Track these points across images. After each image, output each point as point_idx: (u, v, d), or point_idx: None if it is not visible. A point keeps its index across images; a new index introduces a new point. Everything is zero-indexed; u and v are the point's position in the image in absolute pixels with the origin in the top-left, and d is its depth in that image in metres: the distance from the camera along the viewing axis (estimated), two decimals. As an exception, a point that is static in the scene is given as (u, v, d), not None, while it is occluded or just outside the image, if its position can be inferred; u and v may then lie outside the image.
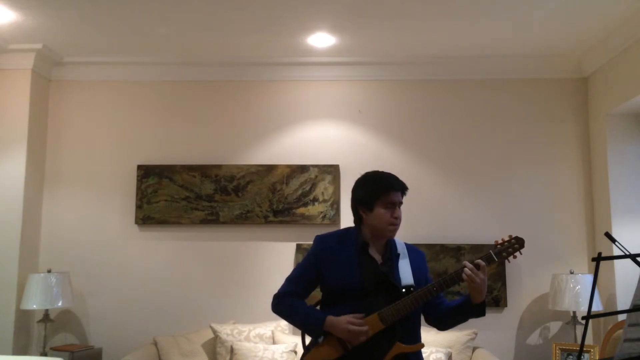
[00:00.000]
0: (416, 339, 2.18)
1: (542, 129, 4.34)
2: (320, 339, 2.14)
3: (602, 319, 3.98)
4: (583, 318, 2.02)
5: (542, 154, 4.31)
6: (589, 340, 4.05)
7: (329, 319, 2.10)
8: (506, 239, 2.17)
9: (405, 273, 2.18)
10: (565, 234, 4.21)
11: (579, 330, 3.90)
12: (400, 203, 2.22)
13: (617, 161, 3.97)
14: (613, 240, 1.72)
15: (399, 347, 2.08)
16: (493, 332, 4.10)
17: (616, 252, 3.55)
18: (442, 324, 2.28)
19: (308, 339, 2.25)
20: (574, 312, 3.87)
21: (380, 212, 2.17)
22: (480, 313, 2.14)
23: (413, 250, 2.29)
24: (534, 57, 4.30)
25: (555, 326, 4.14)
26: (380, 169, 2.42)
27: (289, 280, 2.28)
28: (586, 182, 4.27)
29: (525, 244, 2.20)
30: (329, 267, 2.18)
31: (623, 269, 3.80)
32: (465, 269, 2.08)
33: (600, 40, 3.93)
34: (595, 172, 4.20)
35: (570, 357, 3.77)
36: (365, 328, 2.05)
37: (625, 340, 1.50)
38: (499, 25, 3.78)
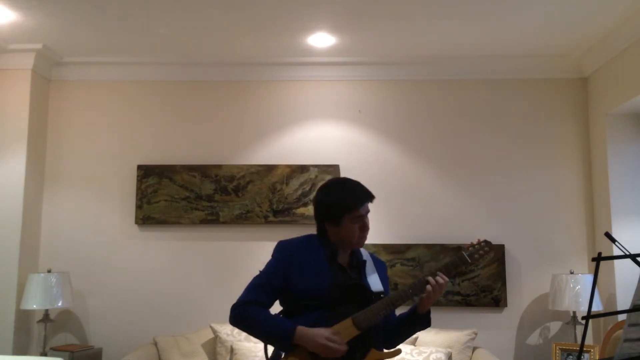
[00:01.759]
0: (383, 346, 2.08)
1: (542, 129, 4.34)
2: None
3: (602, 319, 3.98)
4: (583, 318, 2.02)
5: (542, 154, 4.31)
6: (589, 340, 4.05)
7: (300, 329, 1.93)
8: (475, 242, 2.14)
9: (374, 280, 2.10)
10: (565, 234, 4.21)
11: (579, 330, 3.90)
12: (369, 211, 2.11)
13: (617, 161, 3.97)
14: (613, 240, 1.72)
15: (375, 354, 1.97)
16: (493, 332, 4.10)
17: (616, 252, 3.55)
18: (391, 340, 2.13)
19: (270, 350, 2.10)
20: (574, 312, 3.87)
21: (347, 226, 2.06)
22: (428, 323, 2.09)
23: (376, 259, 2.22)
24: (534, 57, 4.30)
25: (555, 326, 4.14)
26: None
27: (251, 288, 2.08)
28: (586, 182, 4.27)
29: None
30: (299, 274, 2.03)
31: (623, 269, 3.81)
32: (438, 278, 2.00)
33: (600, 40, 3.93)
34: (595, 172, 4.20)
35: (570, 357, 3.77)
36: (344, 347, 1.91)
37: (625, 340, 1.50)
38: (499, 25, 3.77)
